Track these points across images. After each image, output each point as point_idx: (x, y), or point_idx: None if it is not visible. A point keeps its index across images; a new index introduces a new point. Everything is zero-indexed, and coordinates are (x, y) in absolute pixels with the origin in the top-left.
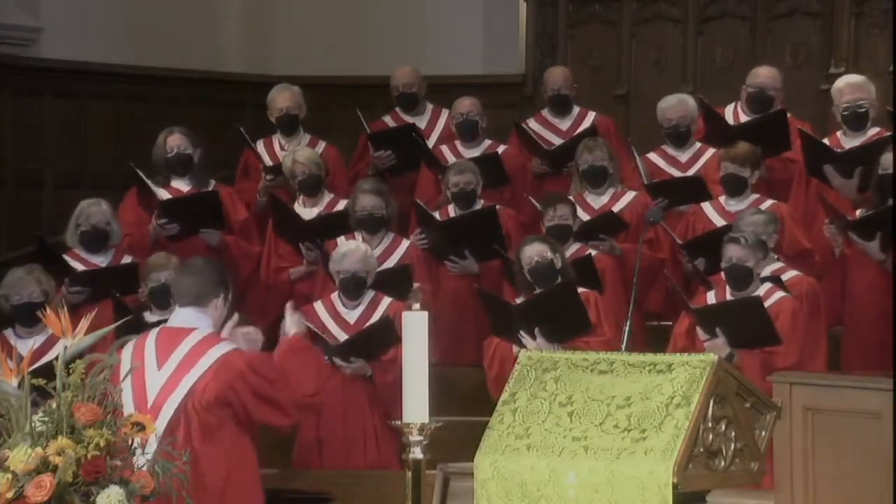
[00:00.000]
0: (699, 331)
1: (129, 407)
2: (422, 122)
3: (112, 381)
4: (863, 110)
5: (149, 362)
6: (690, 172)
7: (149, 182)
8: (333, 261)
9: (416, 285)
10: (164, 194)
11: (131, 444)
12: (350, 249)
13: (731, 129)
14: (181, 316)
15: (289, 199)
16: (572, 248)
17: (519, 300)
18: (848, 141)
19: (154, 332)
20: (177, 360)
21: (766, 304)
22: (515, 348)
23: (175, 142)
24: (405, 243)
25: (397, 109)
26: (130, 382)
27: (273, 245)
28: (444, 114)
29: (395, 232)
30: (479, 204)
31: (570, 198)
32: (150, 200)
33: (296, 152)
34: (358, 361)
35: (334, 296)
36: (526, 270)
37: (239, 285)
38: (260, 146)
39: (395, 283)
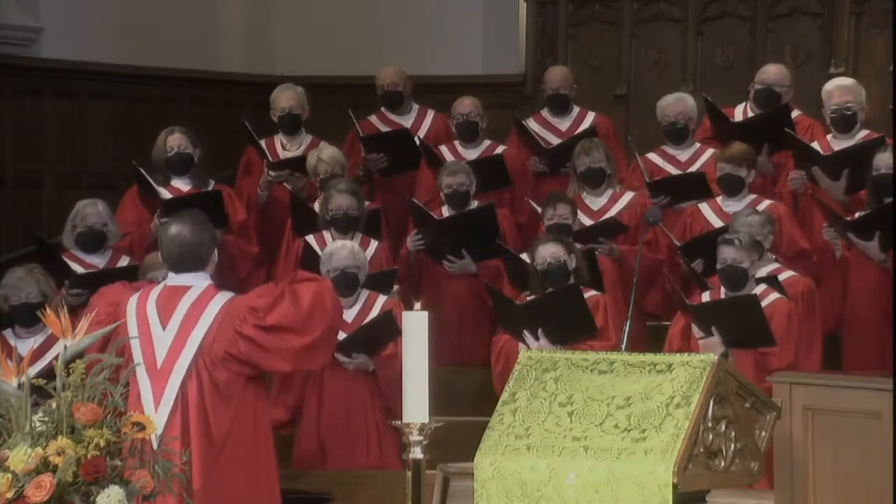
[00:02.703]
0: (694, 329)
1: (140, 368)
2: (407, 122)
3: (112, 381)
4: (850, 113)
5: (153, 323)
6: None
7: (151, 181)
8: (322, 262)
9: (395, 288)
10: (164, 194)
11: (131, 445)
12: (337, 248)
13: (735, 126)
14: (180, 277)
15: (290, 196)
16: None
17: (530, 298)
18: (837, 143)
19: (155, 292)
20: (179, 318)
21: (761, 305)
22: (521, 346)
23: (175, 141)
24: (374, 244)
25: (383, 109)
26: (139, 345)
27: (291, 244)
28: (431, 114)
29: (383, 233)
30: (473, 205)
31: (570, 197)
32: (151, 200)
33: (321, 150)
34: (360, 356)
35: None
36: (539, 271)
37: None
38: (262, 145)
39: (380, 287)
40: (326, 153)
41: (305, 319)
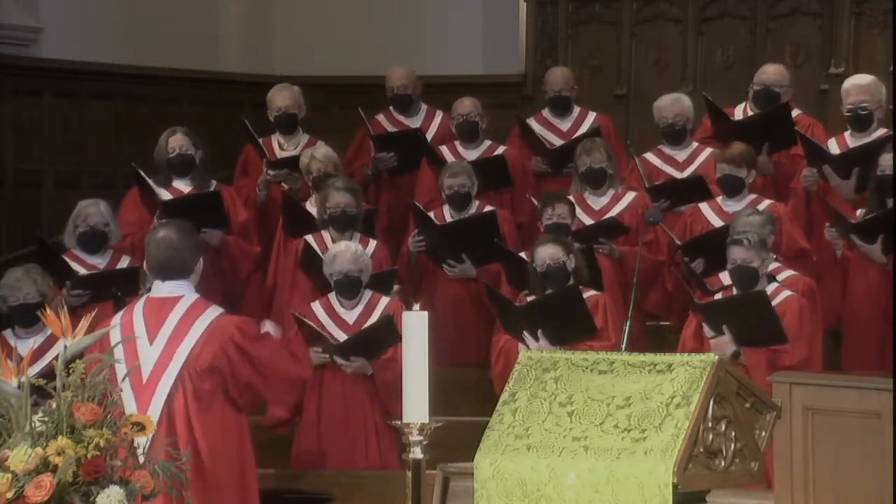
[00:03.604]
0: (705, 328)
1: (125, 385)
2: (416, 123)
3: (111, 381)
4: (865, 112)
5: (139, 338)
6: (688, 171)
7: (150, 182)
8: (325, 264)
9: (395, 287)
10: (165, 195)
11: (131, 445)
12: (340, 250)
13: (735, 126)
14: (165, 286)
15: (284, 196)
16: None
17: (529, 299)
18: (854, 141)
19: (140, 305)
20: (167, 332)
21: (773, 303)
22: (521, 346)
23: (177, 142)
24: (373, 243)
25: (391, 110)
26: (123, 359)
27: (283, 244)
28: (439, 115)
29: (378, 235)
30: (475, 205)
31: (570, 197)
32: (151, 200)
33: (315, 149)
34: (358, 360)
35: (332, 296)
36: (538, 272)
37: (238, 285)
38: (261, 143)
39: (380, 287)
40: (320, 152)
41: (273, 378)
